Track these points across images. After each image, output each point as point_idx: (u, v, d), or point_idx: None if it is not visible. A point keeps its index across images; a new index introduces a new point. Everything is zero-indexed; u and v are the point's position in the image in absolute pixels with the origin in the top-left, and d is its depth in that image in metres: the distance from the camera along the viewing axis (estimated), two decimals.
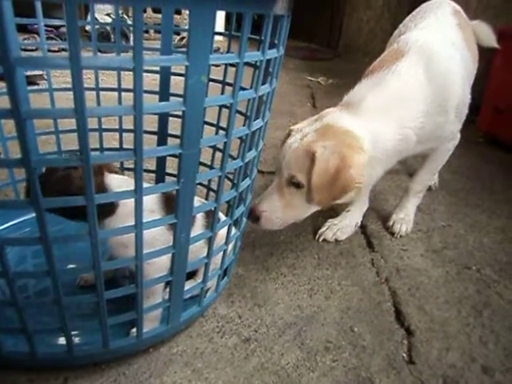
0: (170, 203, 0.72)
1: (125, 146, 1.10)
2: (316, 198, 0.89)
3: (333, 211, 1.27)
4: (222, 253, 0.78)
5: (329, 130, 0.91)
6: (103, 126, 1.06)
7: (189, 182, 0.58)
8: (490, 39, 1.40)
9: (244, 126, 0.67)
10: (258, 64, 0.64)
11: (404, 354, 0.80)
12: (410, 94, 0.97)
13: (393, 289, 0.98)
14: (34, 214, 0.49)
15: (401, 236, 1.21)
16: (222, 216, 0.82)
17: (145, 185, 0.54)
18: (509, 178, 1.76)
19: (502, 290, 1.01)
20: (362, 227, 1.26)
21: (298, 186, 0.90)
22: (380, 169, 1.00)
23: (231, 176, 0.90)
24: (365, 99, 0.96)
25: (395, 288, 0.98)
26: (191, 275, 0.84)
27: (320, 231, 1.17)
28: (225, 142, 0.62)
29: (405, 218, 1.24)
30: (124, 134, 1.09)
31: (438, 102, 0.99)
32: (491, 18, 2.56)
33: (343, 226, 1.18)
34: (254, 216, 0.92)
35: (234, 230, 0.80)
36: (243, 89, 0.68)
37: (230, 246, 0.81)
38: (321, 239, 1.16)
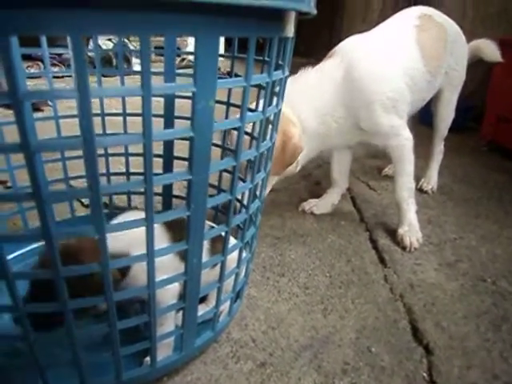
0: (174, 229, 0.71)
1: (131, 169, 1.10)
2: (273, 170, 1.04)
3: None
4: (233, 276, 0.76)
5: None
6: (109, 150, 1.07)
7: (199, 207, 0.58)
8: (495, 55, 1.55)
9: (251, 148, 0.67)
10: (264, 85, 0.64)
11: (424, 374, 0.78)
12: (324, 88, 1.15)
13: (408, 305, 0.96)
14: (43, 243, 0.48)
15: (415, 249, 1.19)
16: (231, 239, 0.81)
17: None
18: None
19: None
20: (373, 242, 1.24)
21: None
22: (310, 146, 1.18)
23: (239, 197, 0.90)
24: (287, 90, 1.19)
25: (410, 304, 0.96)
26: (202, 299, 0.82)
27: (301, 205, 1.44)
28: (234, 166, 0.61)
29: (410, 229, 1.23)
30: (130, 157, 1.09)
31: (356, 98, 1.13)
32: (489, 28, 2.59)
33: (320, 204, 1.43)
34: None
35: (244, 253, 0.79)
36: (250, 110, 0.68)
37: (242, 269, 0.80)
38: (300, 209, 1.43)
